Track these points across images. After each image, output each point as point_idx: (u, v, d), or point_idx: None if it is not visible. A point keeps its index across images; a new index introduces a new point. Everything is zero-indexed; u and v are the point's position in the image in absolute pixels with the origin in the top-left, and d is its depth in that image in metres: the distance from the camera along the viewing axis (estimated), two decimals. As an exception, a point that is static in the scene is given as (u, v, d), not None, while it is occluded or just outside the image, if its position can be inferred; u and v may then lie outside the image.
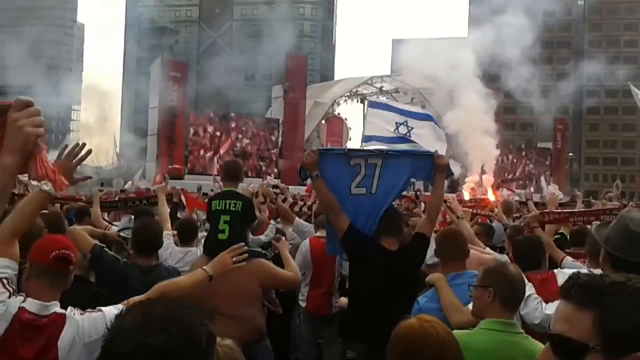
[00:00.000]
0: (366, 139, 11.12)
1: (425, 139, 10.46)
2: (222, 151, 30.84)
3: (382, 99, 40.43)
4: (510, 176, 38.12)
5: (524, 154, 44.53)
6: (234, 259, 3.10)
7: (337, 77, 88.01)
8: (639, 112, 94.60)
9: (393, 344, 2.16)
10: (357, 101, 43.15)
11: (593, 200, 13.13)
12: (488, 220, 7.80)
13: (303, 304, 5.97)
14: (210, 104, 49.32)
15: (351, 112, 44.57)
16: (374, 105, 12.12)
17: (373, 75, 42.53)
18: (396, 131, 11.07)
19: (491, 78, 39.16)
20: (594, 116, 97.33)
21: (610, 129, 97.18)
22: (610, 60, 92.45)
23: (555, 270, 4.28)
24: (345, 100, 41.53)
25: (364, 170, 4.47)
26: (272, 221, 6.87)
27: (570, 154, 54.83)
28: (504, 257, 5.27)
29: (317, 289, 5.91)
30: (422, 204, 8.11)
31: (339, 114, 41.55)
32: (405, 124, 10.82)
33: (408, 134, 10.69)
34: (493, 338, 2.59)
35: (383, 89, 41.79)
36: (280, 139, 34.12)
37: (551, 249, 5.24)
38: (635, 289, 1.29)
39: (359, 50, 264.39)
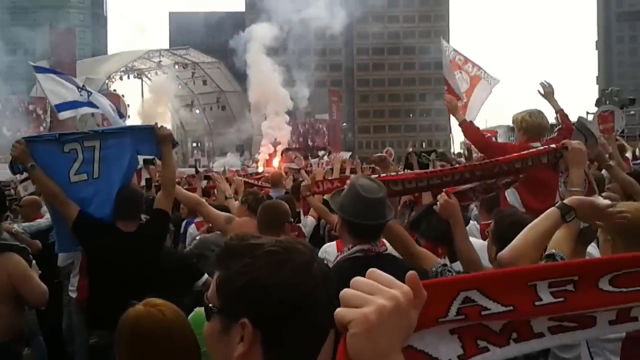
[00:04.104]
0: (60, 108, 10.22)
1: (102, 104, 10.25)
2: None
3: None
4: (295, 146, 39.75)
5: (306, 126, 46.63)
6: None
7: (110, 51, 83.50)
8: (402, 82, 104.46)
9: (120, 331, 2.15)
10: (134, 76, 41.39)
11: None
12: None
13: (74, 295, 5.56)
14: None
15: (128, 89, 42.61)
16: (40, 70, 11.11)
17: (150, 50, 41.02)
18: (82, 93, 10.61)
19: (274, 52, 40.20)
20: (364, 88, 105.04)
21: (378, 100, 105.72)
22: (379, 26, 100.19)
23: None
24: (121, 76, 39.53)
25: (81, 155, 4.18)
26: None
27: (344, 124, 58.61)
28: None
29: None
30: None
31: (115, 90, 39.48)
32: (84, 87, 10.43)
33: (89, 97, 10.30)
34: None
35: (162, 63, 40.57)
36: (48, 119, 31.44)
37: (324, 214, 5.53)
38: (264, 252, 1.25)
39: (135, 22, 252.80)
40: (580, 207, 2.49)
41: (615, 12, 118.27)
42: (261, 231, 4.07)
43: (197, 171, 11.75)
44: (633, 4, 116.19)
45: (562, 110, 5.20)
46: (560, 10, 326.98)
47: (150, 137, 4.39)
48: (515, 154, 3.74)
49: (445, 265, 2.99)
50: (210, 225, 5.80)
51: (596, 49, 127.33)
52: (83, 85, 9.60)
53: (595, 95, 66.57)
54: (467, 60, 9.45)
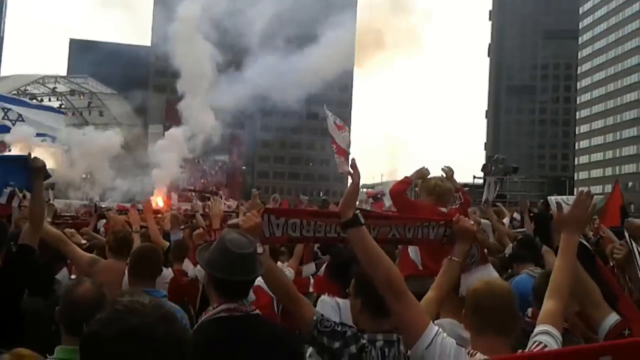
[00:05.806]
0: None
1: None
2: None
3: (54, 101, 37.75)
4: (192, 187, 38.93)
5: (204, 166, 46.00)
6: None
7: (3, 73, 79.44)
8: (304, 131, 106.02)
9: None
10: (26, 101, 39.34)
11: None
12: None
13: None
14: None
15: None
16: None
17: (46, 75, 39.26)
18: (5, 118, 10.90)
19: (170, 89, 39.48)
20: (267, 133, 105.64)
21: (280, 146, 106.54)
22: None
23: None
24: (11, 99, 37.41)
25: None
26: None
27: (244, 167, 58.46)
28: None
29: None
30: None
31: (2, 113, 37.23)
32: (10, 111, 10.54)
33: (20, 119, 10.39)
34: None
35: (57, 90, 38.89)
36: None
37: None
38: (109, 309, 1.29)
39: (33, 46, 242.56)
40: None
41: (505, 85, 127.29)
42: (131, 281, 3.88)
43: (96, 209, 10.99)
44: (521, 79, 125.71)
45: (461, 187, 5.66)
46: (455, 80, 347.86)
47: (22, 167, 4.10)
48: (418, 216, 3.85)
49: (323, 315, 2.90)
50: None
51: (486, 117, 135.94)
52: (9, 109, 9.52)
53: (483, 160, 70.86)
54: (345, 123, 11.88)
